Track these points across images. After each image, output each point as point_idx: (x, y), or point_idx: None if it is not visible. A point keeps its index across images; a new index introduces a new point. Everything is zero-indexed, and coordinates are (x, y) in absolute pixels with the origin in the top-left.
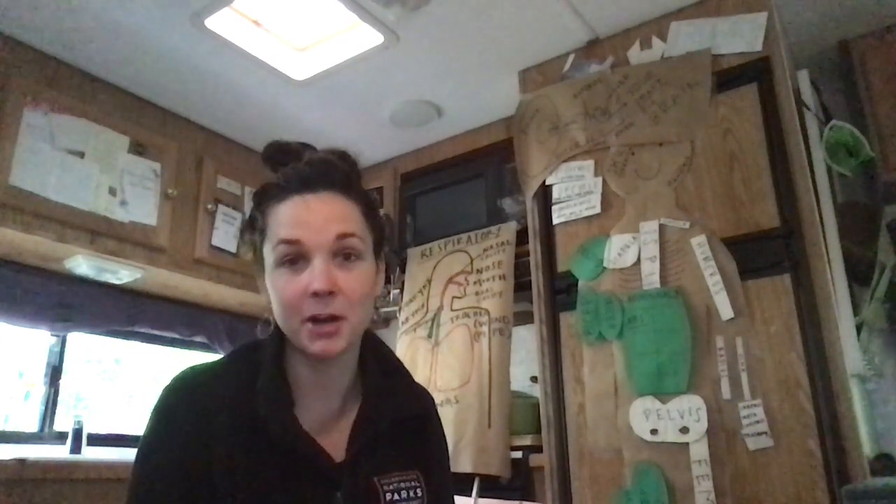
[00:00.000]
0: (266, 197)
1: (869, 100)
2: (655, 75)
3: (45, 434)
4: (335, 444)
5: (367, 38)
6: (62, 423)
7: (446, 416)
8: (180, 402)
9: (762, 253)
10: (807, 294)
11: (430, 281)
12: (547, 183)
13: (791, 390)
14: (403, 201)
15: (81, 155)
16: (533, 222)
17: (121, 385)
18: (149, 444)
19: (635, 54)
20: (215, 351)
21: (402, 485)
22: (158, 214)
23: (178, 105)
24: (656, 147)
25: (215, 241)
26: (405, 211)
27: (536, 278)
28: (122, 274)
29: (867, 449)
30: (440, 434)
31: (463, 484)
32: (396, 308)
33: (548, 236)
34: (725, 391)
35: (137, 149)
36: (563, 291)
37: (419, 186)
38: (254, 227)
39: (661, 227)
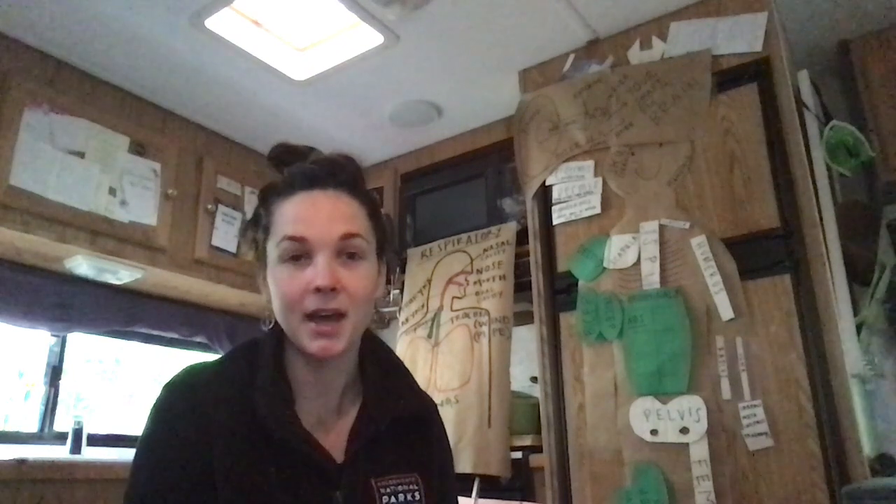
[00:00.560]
0: (272, 194)
1: (869, 100)
2: (655, 75)
3: (45, 434)
4: (334, 443)
5: (367, 38)
6: (62, 423)
7: (446, 416)
8: (179, 401)
9: (762, 253)
10: (807, 294)
11: (430, 281)
12: (547, 183)
13: (791, 390)
14: (403, 201)
15: (81, 155)
16: (533, 222)
17: (121, 385)
18: (147, 443)
19: (635, 54)
20: (215, 351)
21: (400, 487)
22: (158, 214)
23: (178, 105)
24: (656, 147)
25: (215, 241)
26: (405, 211)
27: (536, 278)
28: (122, 274)
29: (867, 449)
30: (443, 439)
31: (463, 484)
32: (396, 308)
33: (548, 236)
34: (725, 391)
35: (137, 149)
36: (563, 291)
37: (419, 186)
38: (257, 225)
39: (661, 228)
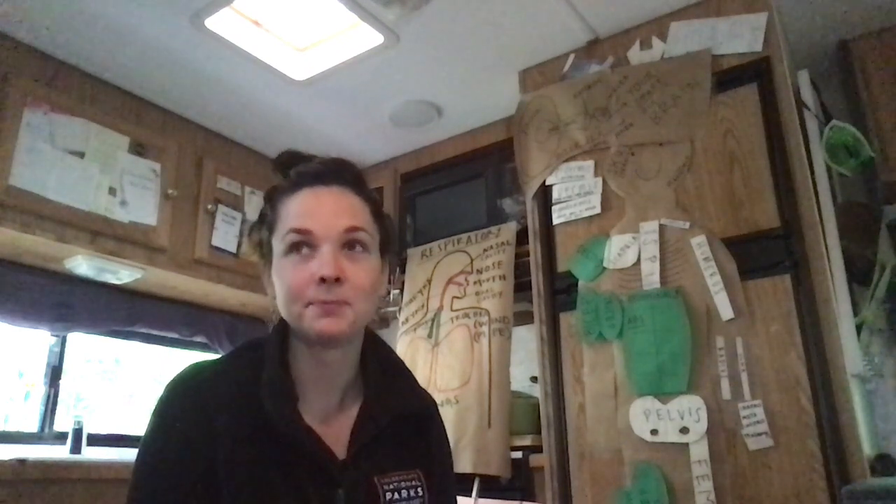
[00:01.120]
0: (277, 193)
1: (869, 100)
2: (655, 75)
3: (45, 434)
4: (336, 441)
5: (367, 38)
6: (62, 423)
7: (446, 416)
8: (181, 399)
9: (762, 253)
10: (807, 294)
11: (430, 281)
12: (547, 183)
13: (791, 390)
14: (403, 201)
15: (81, 155)
16: (533, 222)
17: (121, 385)
18: (150, 442)
19: (635, 54)
20: (215, 351)
21: (403, 484)
22: (158, 214)
23: (178, 105)
24: (656, 147)
25: (215, 241)
26: (405, 211)
27: (536, 278)
28: (122, 274)
29: (867, 449)
30: (443, 437)
31: (463, 484)
32: (396, 308)
33: (548, 236)
34: (725, 391)
35: (137, 149)
36: (563, 291)
37: (419, 186)
38: (262, 223)
39: (661, 228)
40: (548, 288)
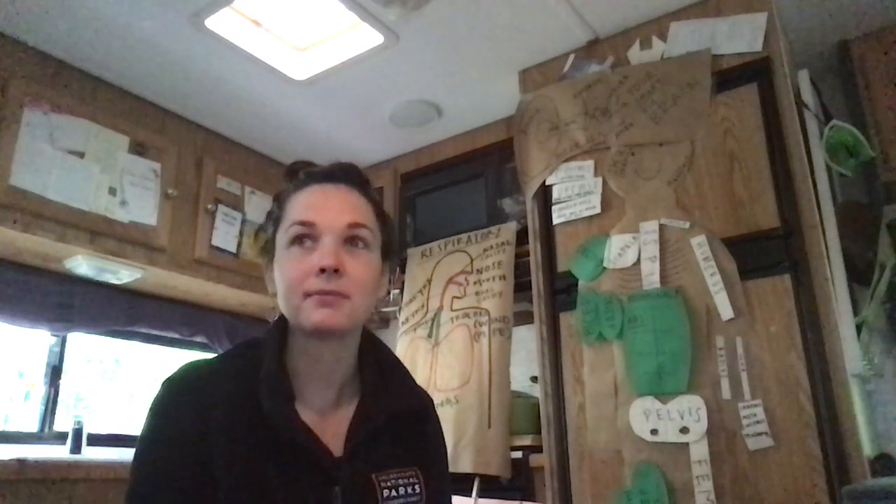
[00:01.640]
0: (285, 191)
1: (869, 100)
2: (655, 75)
3: (45, 434)
4: (332, 439)
5: (367, 38)
6: (62, 423)
7: (446, 416)
8: (177, 397)
9: (762, 253)
10: (807, 294)
11: (430, 281)
12: (547, 183)
13: (791, 390)
14: (403, 201)
15: (81, 155)
16: (533, 222)
17: (121, 385)
18: (147, 441)
19: (635, 54)
20: (215, 350)
21: (401, 481)
22: (158, 214)
23: (178, 105)
24: (656, 147)
25: (215, 241)
26: (405, 211)
27: (536, 278)
28: (122, 274)
29: (867, 449)
30: (439, 434)
31: (463, 484)
32: (396, 308)
33: (548, 236)
34: (725, 391)
35: (137, 149)
36: (563, 291)
37: (419, 186)
38: (269, 220)
39: (661, 227)
40: (548, 288)
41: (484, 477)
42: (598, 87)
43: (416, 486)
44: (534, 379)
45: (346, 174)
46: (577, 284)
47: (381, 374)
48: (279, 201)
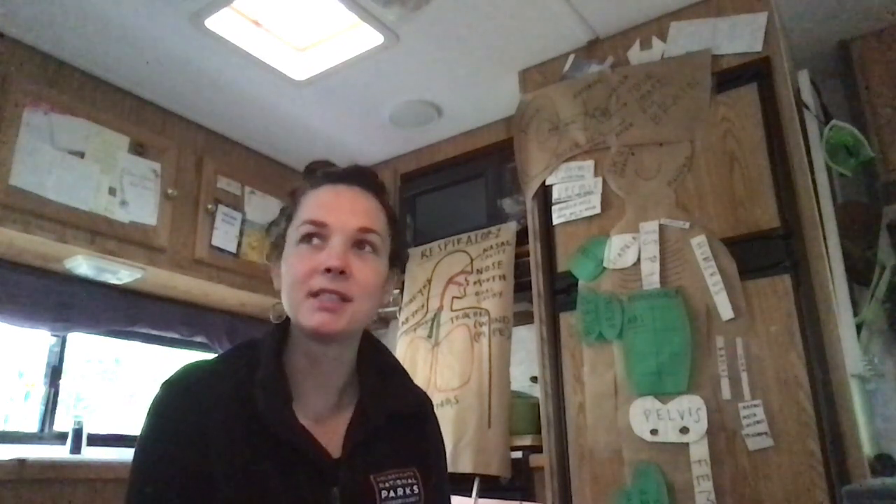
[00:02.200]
0: (301, 187)
1: (869, 100)
2: (655, 75)
3: (45, 434)
4: (331, 440)
5: (367, 38)
6: (62, 423)
7: (446, 416)
8: (176, 399)
9: (762, 253)
10: (807, 294)
11: (430, 281)
12: (547, 183)
13: (791, 390)
14: (403, 201)
15: (81, 155)
16: (533, 222)
17: (121, 385)
18: (146, 442)
19: (635, 54)
20: (215, 351)
21: (399, 482)
22: (158, 214)
23: (178, 105)
24: (656, 147)
25: (215, 241)
26: (405, 211)
27: (536, 278)
28: (122, 274)
29: (867, 449)
30: (438, 435)
31: (463, 484)
32: (396, 308)
33: (548, 236)
34: (725, 391)
35: (137, 149)
36: (563, 291)
37: (419, 186)
38: (283, 215)
39: (661, 227)
40: (548, 288)
41: (484, 477)
42: (598, 87)
43: (415, 487)
44: (534, 379)
45: (362, 177)
46: (577, 284)
47: (379, 376)
48: (294, 197)
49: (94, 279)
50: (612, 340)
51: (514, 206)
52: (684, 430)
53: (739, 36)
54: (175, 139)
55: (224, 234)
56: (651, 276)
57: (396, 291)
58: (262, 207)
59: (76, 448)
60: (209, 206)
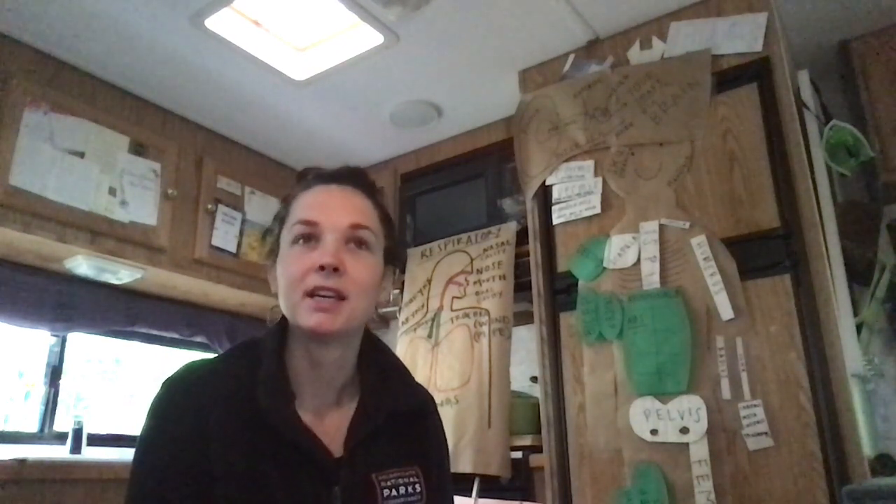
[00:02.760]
0: (293, 191)
1: (869, 100)
2: (655, 75)
3: (45, 434)
4: (332, 439)
5: (367, 38)
6: (62, 423)
7: (446, 416)
8: (176, 398)
9: (762, 253)
10: (807, 294)
11: (430, 281)
12: (547, 183)
13: (791, 390)
14: (403, 201)
15: (81, 155)
16: (533, 222)
17: (121, 385)
18: (146, 441)
19: (635, 54)
20: (215, 351)
21: (401, 480)
22: (158, 214)
23: (178, 105)
24: (656, 147)
25: (215, 241)
26: (405, 211)
27: (536, 278)
28: (122, 274)
29: (867, 449)
30: (440, 433)
31: (463, 484)
32: (396, 308)
33: (548, 236)
34: (725, 391)
35: (137, 149)
36: (563, 291)
37: (419, 186)
38: (276, 220)
39: (661, 227)
40: (548, 288)
41: (484, 477)
42: (598, 87)
43: (417, 486)
44: (534, 379)
45: (352, 176)
46: (577, 284)
47: (380, 374)
48: (286, 202)
49: (94, 279)
50: (612, 340)
51: (514, 206)
52: (684, 430)
53: (739, 36)
54: (175, 139)
55: (224, 234)
56: (651, 276)
57: (396, 291)
58: (262, 207)
59: (76, 448)
60: (209, 206)
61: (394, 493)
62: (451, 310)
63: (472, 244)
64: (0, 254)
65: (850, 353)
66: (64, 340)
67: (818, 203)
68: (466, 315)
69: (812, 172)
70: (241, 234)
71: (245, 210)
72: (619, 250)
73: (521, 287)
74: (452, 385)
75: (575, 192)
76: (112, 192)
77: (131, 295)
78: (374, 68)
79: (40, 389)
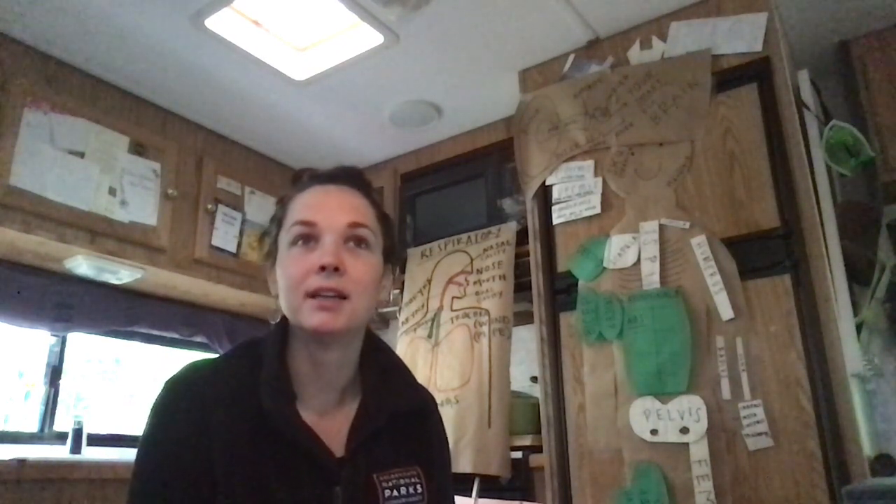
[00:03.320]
0: (289, 193)
1: (869, 100)
2: (655, 75)
3: (45, 434)
4: (334, 439)
5: (367, 38)
6: (62, 423)
7: (446, 416)
8: (179, 398)
9: (762, 253)
10: (807, 294)
11: (430, 281)
12: (547, 183)
13: (791, 390)
14: (403, 201)
15: (81, 155)
16: (533, 222)
17: (121, 385)
18: (148, 441)
19: (635, 54)
20: (215, 351)
21: (402, 481)
22: (158, 214)
23: (178, 105)
24: (656, 147)
25: (215, 241)
26: (405, 211)
27: (536, 278)
28: (122, 274)
29: (867, 449)
30: (441, 432)
31: (463, 484)
32: (396, 308)
33: (548, 236)
34: (725, 391)
35: (137, 149)
36: (563, 291)
37: (419, 186)
38: (272, 222)
39: (661, 228)
40: (548, 288)
41: (484, 477)
42: (598, 87)
43: (418, 486)
44: (534, 379)
45: (347, 176)
46: (577, 284)
47: (381, 374)
48: (282, 204)
49: (94, 279)
50: (612, 340)
51: (514, 206)
52: (684, 430)
53: (739, 36)
54: (175, 139)
55: (224, 234)
56: (651, 276)
57: (396, 291)
58: (262, 207)
59: (76, 448)
60: (209, 206)
61: (395, 493)
62: (451, 310)
63: (472, 244)
64: (0, 254)
65: (850, 352)
66: (64, 340)
67: (818, 203)
68: (466, 315)
69: (812, 172)
70: (241, 234)
71: (245, 210)
72: (619, 250)
73: (521, 287)
74: (452, 385)
75: (575, 192)
76: (112, 192)
77: (131, 295)
78: (373, 68)
79: (40, 389)
